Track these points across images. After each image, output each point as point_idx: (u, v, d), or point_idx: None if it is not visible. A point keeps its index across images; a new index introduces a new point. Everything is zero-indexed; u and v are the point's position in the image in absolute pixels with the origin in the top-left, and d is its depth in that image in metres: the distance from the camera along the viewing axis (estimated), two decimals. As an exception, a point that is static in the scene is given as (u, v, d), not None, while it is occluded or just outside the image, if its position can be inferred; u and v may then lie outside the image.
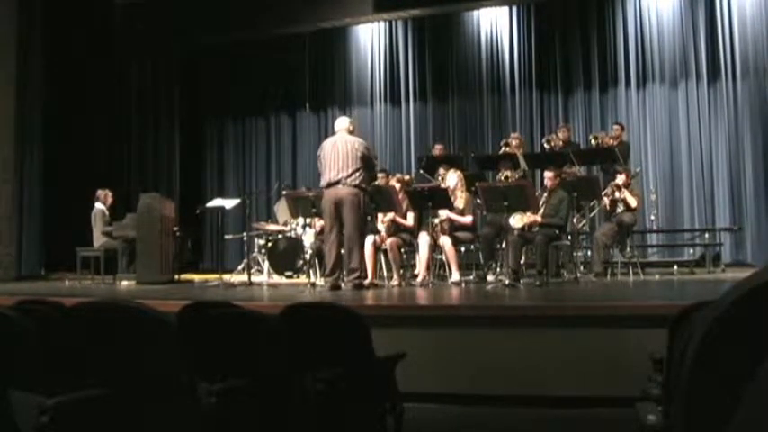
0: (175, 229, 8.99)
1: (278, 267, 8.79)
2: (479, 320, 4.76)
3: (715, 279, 7.80)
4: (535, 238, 7.17)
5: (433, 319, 4.91)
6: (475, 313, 4.95)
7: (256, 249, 9.29)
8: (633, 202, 8.02)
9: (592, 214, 8.60)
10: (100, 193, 9.48)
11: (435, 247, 7.62)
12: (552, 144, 9.18)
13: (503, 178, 8.40)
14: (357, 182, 6.74)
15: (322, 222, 7.42)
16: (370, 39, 12.20)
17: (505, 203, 6.94)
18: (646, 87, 10.65)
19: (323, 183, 6.92)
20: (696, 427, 0.93)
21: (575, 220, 8.22)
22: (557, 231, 7.41)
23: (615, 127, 9.39)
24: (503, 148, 9.20)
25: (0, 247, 9.93)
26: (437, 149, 9.90)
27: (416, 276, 7.66)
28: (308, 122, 12.51)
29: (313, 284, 7.50)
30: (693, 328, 0.95)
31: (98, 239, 9.21)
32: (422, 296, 6.44)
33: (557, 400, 4.32)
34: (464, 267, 7.92)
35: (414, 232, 7.76)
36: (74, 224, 9.77)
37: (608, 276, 7.88)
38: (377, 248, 7.63)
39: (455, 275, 7.40)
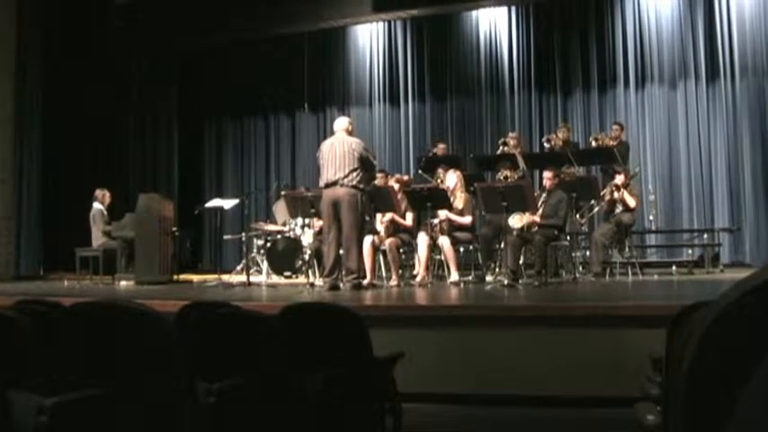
0: (174, 229, 8.99)
1: (277, 267, 8.79)
2: (478, 321, 4.76)
3: (713, 279, 7.80)
4: (534, 239, 7.17)
5: (432, 319, 4.91)
6: (474, 313, 4.95)
7: (255, 249, 9.29)
8: (632, 203, 8.03)
9: (591, 214, 8.60)
10: (98, 192, 9.47)
11: (434, 248, 7.62)
12: (552, 143, 9.18)
13: (502, 178, 8.40)
14: (355, 182, 6.73)
15: (321, 222, 7.42)
16: (369, 39, 12.19)
17: (504, 204, 6.94)
18: (645, 87, 10.65)
19: (321, 183, 6.93)
20: (695, 428, 0.93)
21: (577, 217, 8.23)
22: (555, 232, 7.42)
23: (615, 127, 9.38)
24: (500, 148, 9.20)
25: (-1, 247, 9.95)
26: (440, 149, 9.84)
27: (415, 276, 7.67)
28: (307, 122, 12.50)
29: (312, 285, 7.50)
30: (692, 329, 0.95)
31: (97, 239, 9.21)
32: (421, 296, 6.44)
33: (555, 401, 4.32)
34: (463, 267, 7.91)
35: (413, 232, 7.76)
36: (73, 224, 9.77)
37: (607, 277, 7.88)
38: (376, 248, 7.63)
39: (454, 276, 7.40)
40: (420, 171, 9.59)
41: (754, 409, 0.83)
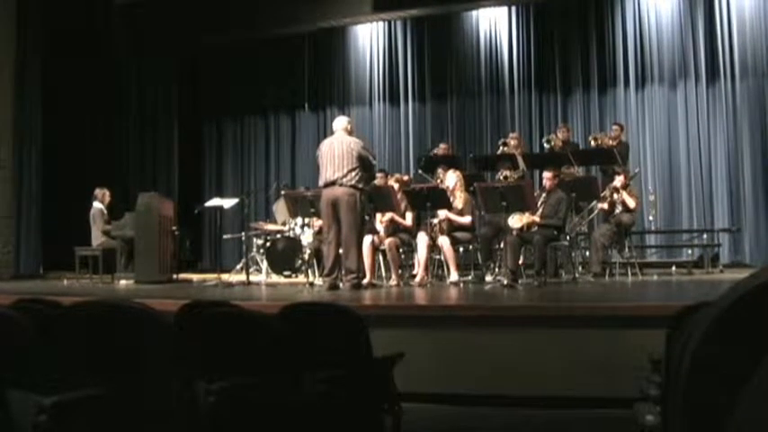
0: (174, 228, 8.99)
1: (276, 267, 8.79)
2: (478, 321, 4.76)
3: (713, 280, 7.81)
4: (533, 239, 7.17)
5: (432, 319, 4.91)
6: (473, 313, 4.95)
7: (255, 249, 9.29)
8: (632, 203, 8.03)
9: (591, 216, 8.60)
10: (98, 192, 9.48)
11: (434, 248, 7.62)
12: (552, 144, 9.18)
13: (502, 178, 8.40)
14: (353, 182, 6.73)
15: (321, 222, 7.43)
16: (369, 39, 12.19)
17: (504, 204, 6.94)
18: (645, 88, 10.66)
19: (320, 183, 6.93)
20: (695, 428, 0.93)
21: (577, 219, 8.23)
22: (555, 232, 7.42)
23: (614, 127, 9.39)
24: (501, 148, 9.20)
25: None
26: (442, 148, 9.85)
27: (415, 276, 7.66)
28: (307, 122, 12.51)
29: (311, 284, 7.51)
30: (692, 329, 0.95)
31: (97, 239, 9.21)
32: (420, 296, 6.44)
33: (555, 401, 4.32)
34: (462, 268, 7.92)
35: (412, 232, 7.76)
36: (72, 223, 9.77)
37: (606, 277, 7.89)
38: (375, 248, 7.63)
39: (453, 276, 7.40)
40: (420, 171, 9.59)
41: (754, 409, 0.83)
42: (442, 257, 7.76)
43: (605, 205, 8.12)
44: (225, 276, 8.45)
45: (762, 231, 9.76)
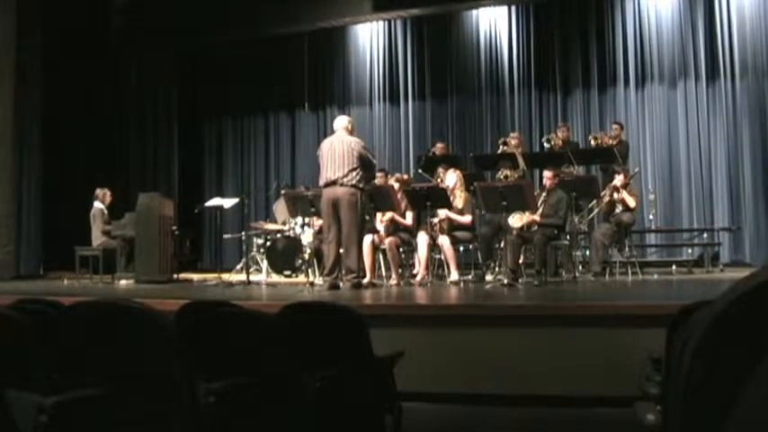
0: (174, 228, 8.99)
1: (276, 267, 8.79)
2: (478, 320, 4.76)
3: (713, 279, 7.81)
4: (534, 238, 7.17)
5: (432, 318, 4.91)
6: (473, 313, 4.95)
7: (255, 249, 9.29)
8: (632, 202, 8.03)
9: (591, 216, 8.60)
10: (98, 192, 9.48)
11: (434, 247, 7.62)
12: (552, 143, 9.18)
13: (502, 178, 8.40)
14: (354, 181, 6.73)
15: (321, 222, 7.43)
16: (369, 38, 12.19)
17: (504, 203, 6.94)
18: (645, 87, 10.66)
19: (321, 182, 6.93)
20: (695, 428, 0.93)
21: (576, 220, 8.23)
22: (555, 231, 7.42)
23: (614, 126, 9.39)
24: (501, 148, 9.20)
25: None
26: (439, 148, 9.86)
27: (415, 276, 7.67)
28: (307, 122, 12.51)
29: (311, 284, 7.51)
30: (692, 328, 0.95)
31: (97, 239, 9.21)
32: (420, 296, 6.44)
33: (555, 400, 4.32)
34: (463, 267, 7.92)
35: (412, 231, 7.76)
36: (73, 223, 9.77)
37: (606, 276, 7.88)
38: (375, 248, 7.63)
39: (454, 275, 7.40)
40: (420, 170, 9.59)
41: (754, 409, 0.83)
42: (443, 257, 7.76)
43: (605, 204, 8.12)
44: (225, 276, 8.46)
45: (762, 230, 9.76)
